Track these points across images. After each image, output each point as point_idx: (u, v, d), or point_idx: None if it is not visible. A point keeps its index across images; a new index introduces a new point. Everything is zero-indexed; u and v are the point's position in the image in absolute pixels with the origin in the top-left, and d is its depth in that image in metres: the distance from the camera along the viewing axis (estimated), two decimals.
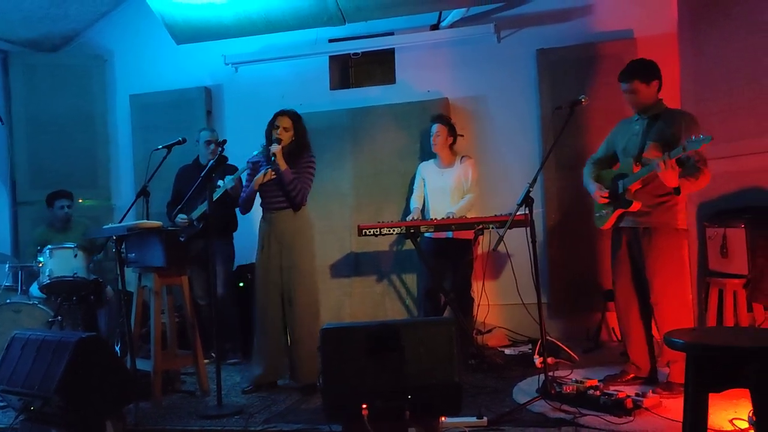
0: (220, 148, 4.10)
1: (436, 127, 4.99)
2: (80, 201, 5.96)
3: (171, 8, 5.38)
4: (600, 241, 5.09)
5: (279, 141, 4.14)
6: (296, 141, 4.23)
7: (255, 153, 4.28)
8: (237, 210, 5.07)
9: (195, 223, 4.83)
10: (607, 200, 3.76)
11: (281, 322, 4.19)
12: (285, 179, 4.10)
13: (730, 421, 3.00)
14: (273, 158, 4.11)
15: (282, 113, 4.26)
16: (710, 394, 2.26)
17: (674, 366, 3.55)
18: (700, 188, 3.61)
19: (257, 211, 5.28)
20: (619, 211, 3.71)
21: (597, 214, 3.89)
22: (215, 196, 4.49)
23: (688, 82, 4.62)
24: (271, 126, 4.23)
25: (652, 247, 3.61)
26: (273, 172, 4.13)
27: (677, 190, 3.50)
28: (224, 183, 4.55)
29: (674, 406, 3.23)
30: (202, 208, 4.74)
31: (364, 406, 2.89)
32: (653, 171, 3.47)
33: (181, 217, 4.77)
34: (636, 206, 3.61)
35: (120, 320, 4.89)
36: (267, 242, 4.22)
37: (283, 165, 4.11)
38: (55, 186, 5.57)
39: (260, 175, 4.17)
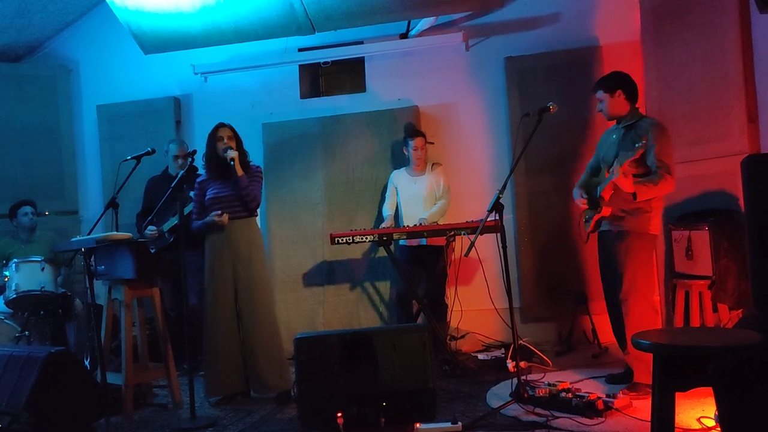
0: (190, 158, 4.07)
1: (415, 141, 5.03)
2: (46, 213, 5.86)
3: (138, 18, 5.33)
4: (571, 245, 5.17)
5: (231, 148, 4.14)
6: (239, 149, 4.24)
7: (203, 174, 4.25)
8: None
9: (166, 235, 4.79)
10: (586, 206, 3.89)
11: (237, 336, 4.12)
12: (242, 184, 4.10)
13: (698, 419, 3.06)
14: (232, 163, 4.09)
15: (222, 125, 4.28)
16: (678, 394, 2.31)
17: (638, 367, 3.61)
18: (662, 194, 3.72)
19: None
20: (596, 216, 3.80)
21: (584, 219, 4.00)
22: (186, 211, 4.46)
23: (652, 87, 4.72)
24: (214, 138, 4.22)
25: (623, 249, 3.70)
26: (222, 217, 4.09)
27: (634, 196, 3.59)
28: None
29: (644, 407, 3.29)
30: (174, 220, 4.70)
31: (339, 413, 2.91)
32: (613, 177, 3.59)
33: (151, 229, 4.72)
34: (606, 211, 3.72)
35: (89, 334, 4.81)
36: (218, 252, 4.15)
37: (240, 171, 4.11)
38: (21, 198, 5.47)
39: (214, 216, 4.12)
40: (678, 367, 2.14)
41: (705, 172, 4.25)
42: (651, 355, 2.31)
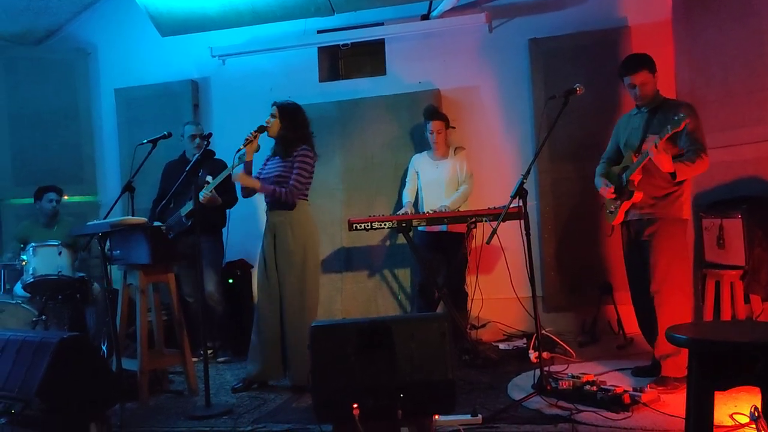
0: (205, 142, 3.99)
1: (432, 125, 4.89)
2: (65, 197, 5.84)
3: None
4: (595, 233, 5.03)
5: (263, 128, 4.07)
6: (285, 130, 4.12)
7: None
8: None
9: (183, 220, 4.74)
10: (614, 195, 3.72)
11: (277, 321, 4.07)
12: (265, 192, 4.03)
13: (731, 415, 2.93)
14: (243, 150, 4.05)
15: (273, 103, 4.20)
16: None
17: (668, 360, 3.48)
18: (697, 173, 3.57)
19: (248, 204, 5.20)
20: (625, 204, 3.66)
21: (608, 211, 3.84)
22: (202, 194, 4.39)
23: (683, 69, 4.55)
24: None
25: (656, 237, 3.56)
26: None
27: (673, 175, 3.45)
28: (209, 183, 4.46)
29: (673, 401, 3.18)
30: (191, 205, 4.63)
31: (355, 405, 2.82)
32: (648, 156, 3.44)
33: (157, 224, 4.65)
34: (638, 196, 3.57)
35: (107, 319, 4.78)
36: (265, 239, 4.13)
37: (248, 156, 4.04)
38: (40, 182, 5.45)
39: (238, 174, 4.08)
40: (718, 365, 1.99)
41: (738, 158, 4.09)
42: (680, 348, 2.18)
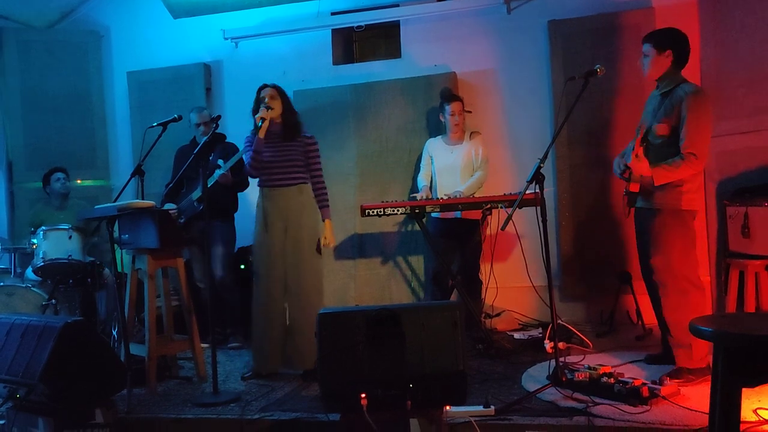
0: (214, 125, 3.91)
1: (453, 106, 4.78)
2: (78, 181, 5.82)
3: None
4: (614, 220, 4.90)
5: (270, 108, 3.94)
6: (287, 112, 4.04)
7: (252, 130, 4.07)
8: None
9: (195, 204, 4.68)
10: (619, 173, 3.60)
11: (283, 307, 3.99)
12: (255, 147, 3.90)
13: (754, 411, 2.81)
14: (259, 123, 3.89)
15: (265, 85, 4.07)
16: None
17: (681, 351, 3.36)
18: (686, 177, 3.37)
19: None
20: (630, 188, 3.53)
21: (624, 193, 3.70)
22: (210, 182, 4.32)
23: (708, 53, 4.39)
24: (257, 101, 4.03)
25: (655, 228, 3.42)
26: (266, 112, 3.90)
27: (653, 180, 3.33)
28: (221, 168, 4.39)
29: (694, 395, 3.07)
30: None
31: (363, 395, 2.75)
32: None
33: (169, 206, 4.60)
34: (634, 187, 3.46)
35: (118, 304, 4.75)
36: (269, 221, 3.99)
37: (261, 134, 3.90)
38: (53, 166, 5.42)
39: (261, 125, 3.90)
40: (745, 360, 1.85)
41: (765, 144, 3.95)
42: (695, 339, 2.05)
